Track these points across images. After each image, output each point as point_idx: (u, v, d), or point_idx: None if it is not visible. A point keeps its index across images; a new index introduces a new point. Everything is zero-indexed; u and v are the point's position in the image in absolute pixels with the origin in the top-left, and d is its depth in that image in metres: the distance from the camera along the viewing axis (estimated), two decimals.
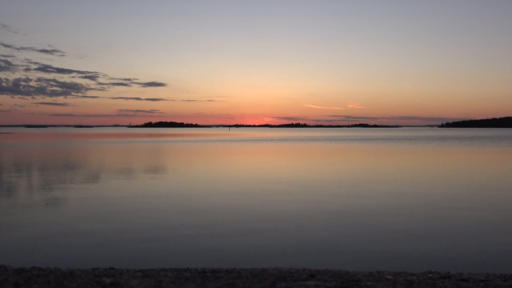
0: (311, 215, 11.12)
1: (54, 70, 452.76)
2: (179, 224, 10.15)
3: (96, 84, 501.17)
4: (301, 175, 20.83)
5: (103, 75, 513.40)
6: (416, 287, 3.82)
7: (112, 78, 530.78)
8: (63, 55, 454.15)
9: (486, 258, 7.57)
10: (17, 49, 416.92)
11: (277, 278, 3.98)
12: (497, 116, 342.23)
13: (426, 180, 18.68)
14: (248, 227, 9.81)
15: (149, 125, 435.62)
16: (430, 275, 4.32)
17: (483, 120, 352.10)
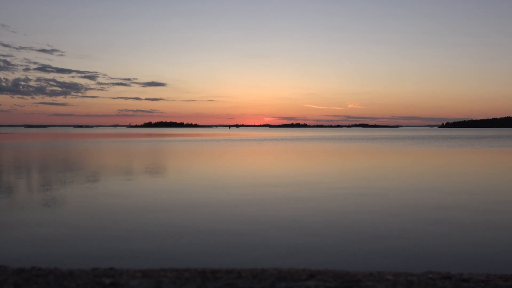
0: (311, 215, 11.11)
1: (54, 70, 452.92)
2: (179, 224, 10.14)
3: (95, 84, 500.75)
4: (301, 174, 20.81)
5: (103, 75, 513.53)
6: None
7: (112, 78, 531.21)
8: (62, 55, 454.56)
9: (487, 258, 7.56)
10: (16, 48, 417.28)
11: (277, 278, 3.98)
12: (497, 116, 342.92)
13: (429, 179, 18.67)
14: (248, 227, 9.80)
15: (149, 125, 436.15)
16: (430, 275, 4.31)
17: (483, 120, 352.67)
